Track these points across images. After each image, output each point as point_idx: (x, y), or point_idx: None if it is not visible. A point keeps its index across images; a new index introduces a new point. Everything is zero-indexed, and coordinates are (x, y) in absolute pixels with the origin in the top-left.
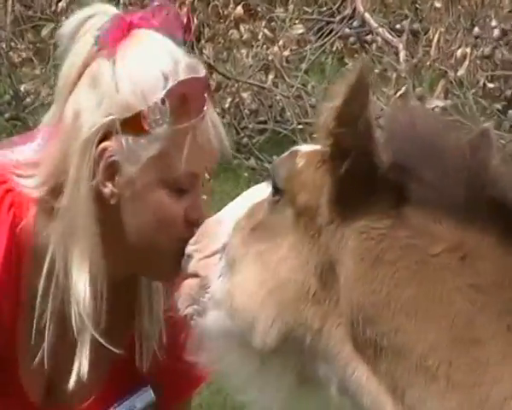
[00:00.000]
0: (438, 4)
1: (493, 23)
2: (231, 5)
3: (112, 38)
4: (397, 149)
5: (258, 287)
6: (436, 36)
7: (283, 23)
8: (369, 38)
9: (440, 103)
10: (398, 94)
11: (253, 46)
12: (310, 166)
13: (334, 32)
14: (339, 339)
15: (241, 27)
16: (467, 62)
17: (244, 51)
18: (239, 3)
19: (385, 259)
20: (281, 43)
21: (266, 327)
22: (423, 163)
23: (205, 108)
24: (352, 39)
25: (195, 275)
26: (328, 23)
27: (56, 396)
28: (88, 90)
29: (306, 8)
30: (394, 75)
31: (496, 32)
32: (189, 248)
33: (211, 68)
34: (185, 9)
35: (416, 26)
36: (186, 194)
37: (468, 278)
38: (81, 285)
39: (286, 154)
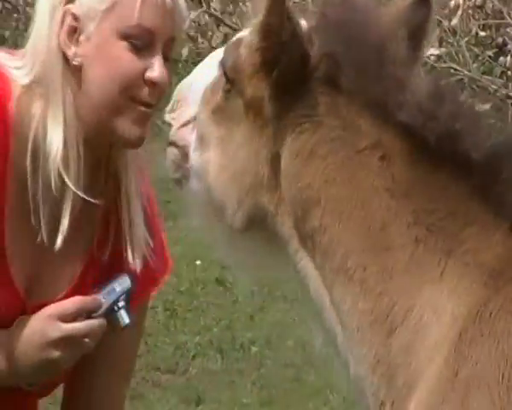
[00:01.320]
0: None
1: None
2: None
3: None
4: (327, 38)
5: (221, 171)
6: None
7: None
8: None
9: (435, 51)
10: None
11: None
12: (249, 65)
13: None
14: (290, 226)
15: None
16: (460, 12)
17: (250, 4)
18: None
19: (317, 153)
20: None
21: (233, 210)
22: (349, 53)
23: None
24: None
25: (175, 144)
26: None
27: (37, 290)
28: None
29: None
30: None
31: None
32: (166, 117)
33: (218, 21)
34: None
35: None
36: (145, 53)
37: (385, 180)
38: (55, 141)
39: (233, 40)
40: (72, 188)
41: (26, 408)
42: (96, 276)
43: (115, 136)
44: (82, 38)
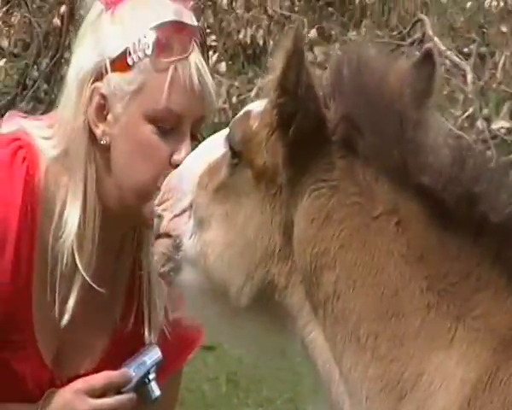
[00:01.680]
0: (504, 29)
1: None
2: (306, 28)
3: None
4: (343, 101)
5: (226, 248)
6: (502, 59)
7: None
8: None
9: (506, 124)
10: (466, 115)
11: (326, 68)
12: (264, 128)
13: (404, 55)
14: (301, 296)
15: (316, 50)
16: None
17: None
18: (313, 27)
19: (333, 218)
20: None
21: (239, 287)
22: (366, 116)
23: (189, 51)
24: None
25: (167, 235)
26: (398, 46)
27: (64, 362)
28: (89, 38)
29: (378, 32)
30: (462, 97)
31: None
32: (157, 209)
33: None
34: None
35: (482, 49)
36: (172, 135)
37: (400, 246)
38: (71, 220)
39: (240, 115)
40: (82, 271)
41: None
42: (123, 347)
43: (141, 219)
44: (110, 117)
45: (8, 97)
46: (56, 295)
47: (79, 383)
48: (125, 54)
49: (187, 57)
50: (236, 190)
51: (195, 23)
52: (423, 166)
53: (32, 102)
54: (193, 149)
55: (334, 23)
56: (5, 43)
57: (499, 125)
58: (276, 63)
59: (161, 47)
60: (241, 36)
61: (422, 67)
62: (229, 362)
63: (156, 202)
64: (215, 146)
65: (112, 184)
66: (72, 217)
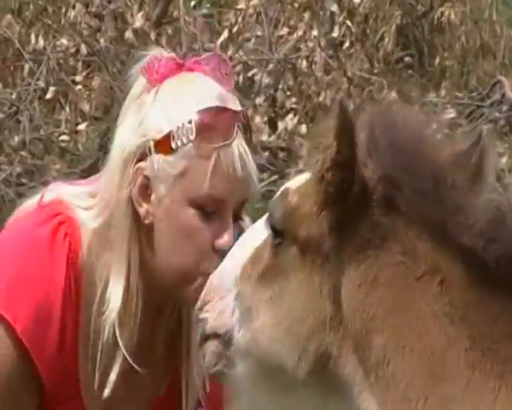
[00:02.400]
0: None
1: None
2: (385, 90)
3: (161, 74)
4: (381, 160)
5: (277, 328)
6: None
7: (436, 107)
8: None
9: None
10: None
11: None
12: (304, 200)
13: (484, 116)
14: (354, 364)
15: None
16: None
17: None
18: (393, 89)
19: (380, 281)
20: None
21: (295, 363)
22: (405, 175)
23: (232, 137)
24: (501, 123)
25: (215, 335)
26: (478, 107)
27: None
28: (133, 116)
29: (458, 93)
30: None
31: None
32: (199, 315)
33: None
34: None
35: None
36: (214, 219)
37: (443, 306)
38: (114, 297)
39: (277, 194)
40: (122, 349)
41: None
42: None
43: (180, 299)
44: (153, 197)
45: (91, 161)
46: (97, 368)
47: None
48: (168, 137)
49: (230, 144)
50: (282, 271)
51: (239, 107)
52: (463, 226)
53: None
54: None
55: (413, 85)
56: (86, 107)
57: None
58: (325, 140)
59: (205, 133)
60: (321, 98)
61: (474, 151)
62: None
63: (198, 305)
64: (254, 236)
65: (155, 264)
66: (115, 295)
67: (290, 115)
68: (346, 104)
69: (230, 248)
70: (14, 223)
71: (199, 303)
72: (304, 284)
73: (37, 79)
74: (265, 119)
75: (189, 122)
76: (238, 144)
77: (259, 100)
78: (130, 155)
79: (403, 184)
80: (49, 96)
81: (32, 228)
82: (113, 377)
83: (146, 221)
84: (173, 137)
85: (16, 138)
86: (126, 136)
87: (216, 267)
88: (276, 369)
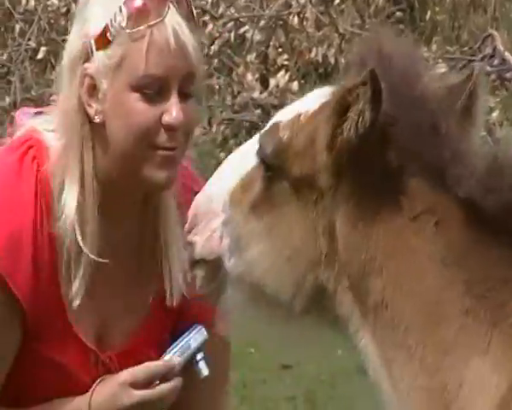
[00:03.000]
0: None
1: None
2: None
3: None
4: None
5: (274, 259)
6: None
7: (427, 62)
8: (508, 75)
9: None
10: None
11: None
12: (297, 137)
13: (476, 69)
14: (350, 303)
15: None
16: None
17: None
18: None
19: (376, 221)
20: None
21: (291, 296)
22: (405, 115)
23: (164, 13)
24: (492, 76)
25: (204, 261)
26: (469, 61)
27: (106, 340)
28: (76, 23)
29: (449, 48)
30: None
31: None
32: (188, 237)
33: None
34: None
35: None
36: (160, 99)
37: (439, 248)
38: (69, 202)
39: (267, 128)
40: (85, 249)
41: None
42: (162, 317)
43: (145, 184)
44: (100, 95)
45: None
46: (72, 276)
47: (124, 376)
48: (105, 31)
49: (162, 20)
50: (275, 203)
51: None
52: (459, 177)
53: None
54: (189, 106)
55: (404, 40)
56: None
57: None
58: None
59: (135, 16)
60: (312, 55)
61: (467, 86)
62: (307, 381)
63: (186, 228)
64: (242, 161)
65: (111, 158)
66: (70, 198)
67: (282, 72)
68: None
69: (178, 122)
70: None
71: (187, 225)
72: (298, 219)
73: (29, 39)
74: (257, 76)
75: (120, 10)
76: (171, 20)
77: (251, 57)
78: (75, 59)
79: (403, 124)
80: (40, 56)
81: (1, 156)
82: (76, 283)
83: (97, 120)
84: (108, 30)
85: (7, 99)
86: (72, 41)
87: (168, 144)
88: (272, 299)
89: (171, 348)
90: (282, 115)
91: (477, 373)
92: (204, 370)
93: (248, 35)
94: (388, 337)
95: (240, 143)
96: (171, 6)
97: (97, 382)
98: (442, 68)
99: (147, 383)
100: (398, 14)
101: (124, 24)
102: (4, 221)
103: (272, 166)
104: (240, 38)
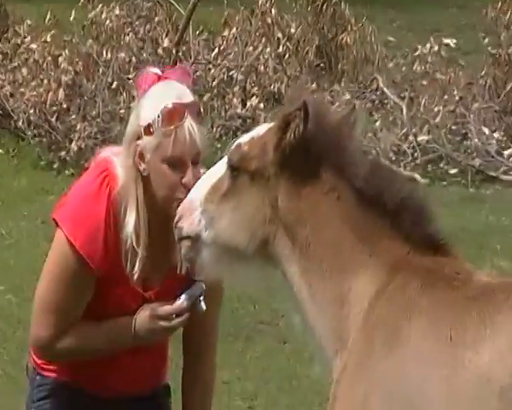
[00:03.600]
0: (424, 82)
1: None
2: (309, 83)
3: (144, 87)
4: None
5: (236, 223)
6: (423, 100)
7: (338, 93)
8: (386, 101)
9: (425, 137)
10: (402, 132)
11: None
12: (253, 149)
13: (366, 98)
14: (285, 246)
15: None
16: None
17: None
18: (314, 82)
19: (302, 194)
20: None
21: (246, 244)
22: (320, 135)
23: (183, 119)
24: (377, 101)
25: (187, 237)
26: (363, 93)
27: (148, 285)
28: (133, 114)
29: (351, 84)
30: (400, 122)
31: None
32: (177, 225)
33: None
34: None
35: (411, 94)
36: (180, 167)
37: (339, 212)
38: (130, 219)
39: (233, 147)
40: (139, 252)
41: (158, 349)
42: (179, 275)
43: (169, 214)
44: (146, 160)
45: None
46: (128, 262)
47: (152, 311)
48: (150, 125)
49: (182, 124)
50: (238, 190)
51: (191, 99)
52: (354, 174)
53: None
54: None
55: (325, 80)
56: (135, 93)
57: (422, 138)
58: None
59: (167, 120)
60: (271, 87)
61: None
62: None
63: (176, 219)
64: (213, 174)
65: (152, 198)
66: (130, 219)
67: (253, 97)
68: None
69: (193, 183)
70: (81, 177)
71: (176, 217)
72: (252, 196)
73: (107, 76)
74: (239, 99)
75: (158, 116)
76: (188, 123)
77: (236, 89)
78: (132, 136)
79: (318, 140)
80: (114, 86)
81: (88, 180)
82: (136, 269)
83: (144, 174)
84: (152, 126)
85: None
86: (131, 124)
87: (185, 196)
88: (232, 250)
89: (182, 295)
90: (243, 138)
91: (360, 282)
92: (203, 307)
93: (235, 76)
94: (309, 266)
95: (229, 140)
96: (187, 114)
97: (138, 311)
98: (347, 96)
99: (166, 317)
100: (322, 65)
101: (160, 125)
102: (85, 221)
103: (237, 168)
104: (229, 77)
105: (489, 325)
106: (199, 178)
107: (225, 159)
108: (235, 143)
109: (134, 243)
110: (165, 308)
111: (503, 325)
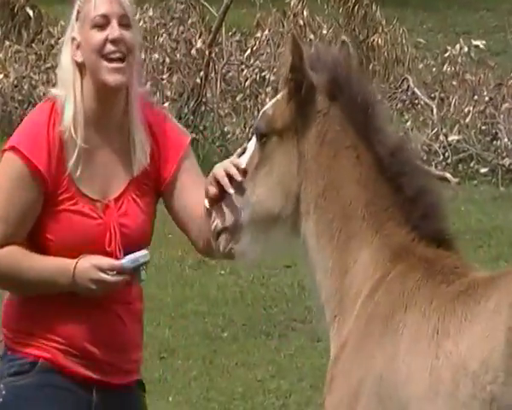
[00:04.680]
0: (454, 82)
1: None
2: None
3: None
4: (324, 71)
5: (273, 185)
6: (453, 100)
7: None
8: (416, 101)
9: (456, 137)
10: (433, 132)
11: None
12: (276, 109)
13: (397, 98)
14: (306, 196)
15: None
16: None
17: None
18: None
19: (326, 141)
20: None
21: (284, 203)
22: (346, 86)
23: None
24: (407, 101)
25: (224, 229)
26: (394, 93)
27: (106, 193)
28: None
29: (382, 85)
30: (430, 122)
31: None
32: (212, 226)
33: None
34: None
35: (442, 95)
36: (106, 27)
37: (356, 173)
38: (67, 112)
39: (260, 115)
40: (78, 140)
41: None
42: (138, 182)
43: (106, 87)
44: (79, 42)
45: None
46: (70, 156)
47: (94, 260)
48: (77, 8)
49: None
50: (269, 156)
51: None
52: (380, 141)
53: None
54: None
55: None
56: (169, 93)
57: (452, 138)
58: (285, 60)
59: None
60: None
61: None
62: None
63: (210, 224)
64: (242, 159)
65: (89, 79)
66: (68, 112)
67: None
68: (295, 38)
69: (120, 40)
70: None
71: (210, 222)
72: (283, 154)
73: None
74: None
75: None
76: None
77: (268, 89)
78: (68, 35)
79: (344, 90)
80: None
81: (36, 109)
82: (75, 158)
83: (80, 60)
84: (77, 5)
85: None
86: (70, 22)
87: (110, 51)
88: (270, 219)
89: (127, 257)
90: (266, 106)
91: (365, 257)
92: (143, 276)
93: (267, 76)
94: (322, 221)
95: None
96: None
97: (80, 257)
98: (379, 97)
99: (107, 269)
100: None
101: None
102: (28, 130)
103: (265, 134)
104: (261, 78)
105: (468, 316)
106: (128, 38)
107: (252, 139)
108: (261, 113)
109: (72, 132)
110: (108, 260)
111: (478, 316)
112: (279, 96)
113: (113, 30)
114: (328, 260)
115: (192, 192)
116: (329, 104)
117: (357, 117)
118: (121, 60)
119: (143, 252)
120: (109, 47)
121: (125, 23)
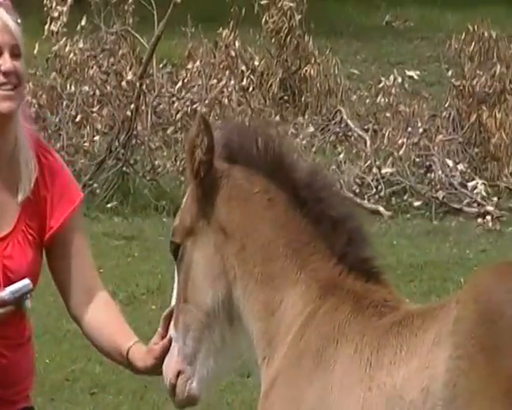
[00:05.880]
0: (388, 114)
1: None
2: (273, 115)
3: None
4: (227, 142)
5: (202, 283)
6: (387, 132)
7: (302, 125)
8: (349, 133)
9: (389, 170)
10: (366, 164)
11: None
12: (182, 214)
13: (330, 130)
14: (229, 257)
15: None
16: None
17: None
18: (277, 115)
19: (233, 195)
20: None
21: (214, 296)
22: (241, 148)
23: None
24: (340, 133)
25: (178, 374)
26: (327, 125)
27: None
28: None
29: (315, 117)
30: (363, 154)
31: None
32: (168, 383)
33: None
34: None
35: (375, 127)
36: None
37: (271, 215)
38: None
39: (171, 235)
40: None
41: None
42: (30, 210)
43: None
44: None
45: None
46: None
47: None
48: None
49: None
50: (189, 258)
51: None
52: (291, 179)
53: (115, 161)
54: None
55: (289, 112)
56: (99, 126)
57: (386, 170)
58: (190, 145)
59: None
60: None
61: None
62: None
63: (166, 384)
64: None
65: None
66: None
67: None
68: (203, 119)
69: (8, 68)
70: None
71: (165, 383)
72: (200, 245)
73: (71, 110)
74: None
75: None
76: (1, 15)
77: None
78: None
79: (240, 147)
80: (77, 120)
81: None
82: None
83: None
84: None
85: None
86: None
87: (2, 82)
88: (208, 317)
89: (7, 288)
90: (174, 222)
91: (290, 296)
92: (28, 305)
93: (198, 108)
94: (245, 269)
95: None
96: (1, 9)
97: None
98: (311, 129)
99: None
100: (286, 97)
101: None
102: None
103: (180, 242)
104: (193, 110)
105: (404, 347)
106: (19, 69)
107: (175, 276)
108: (171, 229)
109: None
110: None
111: (417, 347)
112: (181, 207)
113: (5, 61)
114: (254, 304)
115: (79, 259)
116: (228, 166)
117: (261, 164)
118: (11, 90)
119: (25, 281)
120: (0, 78)
121: (16, 53)
